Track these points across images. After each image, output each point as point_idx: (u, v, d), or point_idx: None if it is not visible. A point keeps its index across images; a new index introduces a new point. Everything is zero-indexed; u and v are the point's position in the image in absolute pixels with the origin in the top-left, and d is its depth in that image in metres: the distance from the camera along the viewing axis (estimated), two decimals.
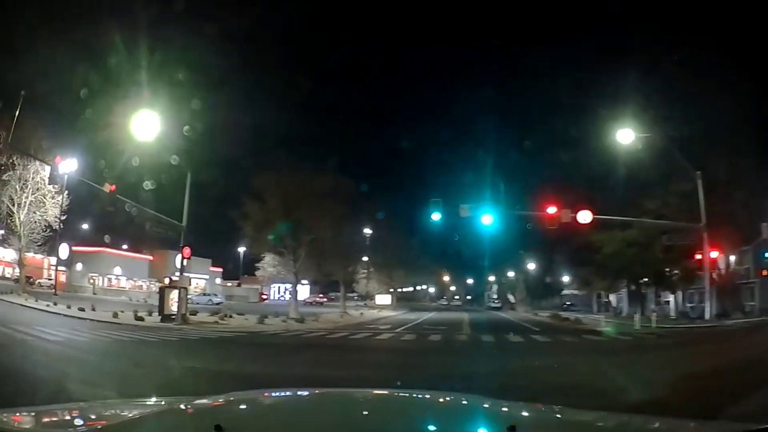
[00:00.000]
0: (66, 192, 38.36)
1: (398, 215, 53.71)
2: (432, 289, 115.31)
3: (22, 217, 38.23)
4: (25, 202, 37.93)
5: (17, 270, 59.22)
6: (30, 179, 37.66)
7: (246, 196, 35.70)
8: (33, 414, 2.83)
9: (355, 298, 66.82)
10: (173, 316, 27.36)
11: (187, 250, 28.60)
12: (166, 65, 26.33)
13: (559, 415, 2.96)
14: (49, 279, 60.43)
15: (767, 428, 2.15)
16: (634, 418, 3.07)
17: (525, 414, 2.98)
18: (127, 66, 25.06)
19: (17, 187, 37.57)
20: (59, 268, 59.54)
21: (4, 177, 37.00)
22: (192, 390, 7.75)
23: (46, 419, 2.77)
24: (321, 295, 75.74)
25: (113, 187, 23.79)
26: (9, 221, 38.91)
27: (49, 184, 26.55)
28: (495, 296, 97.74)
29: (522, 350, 19.34)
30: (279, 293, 78.93)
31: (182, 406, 2.96)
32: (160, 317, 27.74)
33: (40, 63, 31.50)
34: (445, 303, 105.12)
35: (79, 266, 58.61)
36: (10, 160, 36.17)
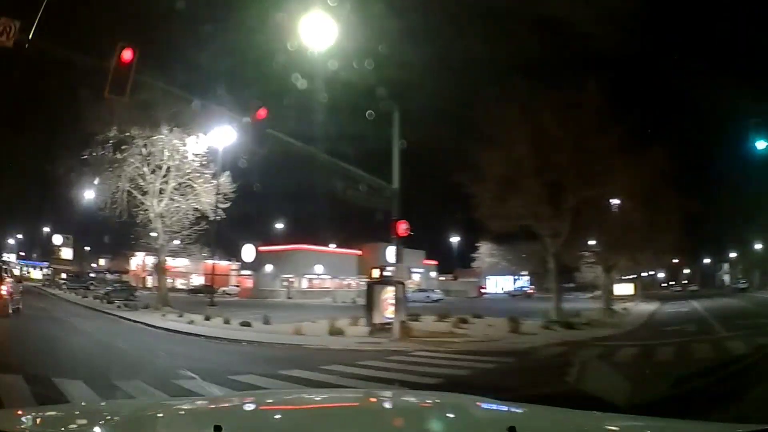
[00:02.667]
0: (228, 173, 29.27)
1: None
2: (661, 274, 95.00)
3: (158, 208, 29.26)
4: (161, 188, 29.29)
5: (204, 279, 52.46)
6: (165, 157, 28.75)
7: (478, 143, 22.99)
8: (33, 414, 2.75)
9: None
10: (388, 326, 17.98)
11: (403, 225, 18.53)
12: None
13: (558, 416, 2.86)
14: (237, 286, 57.13)
15: (767, 429, 2.13)
16: (633, 419, 2.96)
17: (524, 414, 2.85)
18: None
19: (144, 169, 28.94)
20: (243, 272, 55.53)
21: (119, 155, 28.08)
22: None
23: (46, 419, 2.64)
24: (530, 287, 67.95)
25: (263, 112, 13.13)
26: (140, 214, 29.45)
27: (110, 93, 13.52)
28: (740, 276, 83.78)
29: None
30: (496, 286, 74.49)
31: (182, 407, 2.99)
32: (368, 328, 18.58)
33: None
34: (679, 289, 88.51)
35: (268, 268, 52.11)
36: (126, 133, 27.23)
